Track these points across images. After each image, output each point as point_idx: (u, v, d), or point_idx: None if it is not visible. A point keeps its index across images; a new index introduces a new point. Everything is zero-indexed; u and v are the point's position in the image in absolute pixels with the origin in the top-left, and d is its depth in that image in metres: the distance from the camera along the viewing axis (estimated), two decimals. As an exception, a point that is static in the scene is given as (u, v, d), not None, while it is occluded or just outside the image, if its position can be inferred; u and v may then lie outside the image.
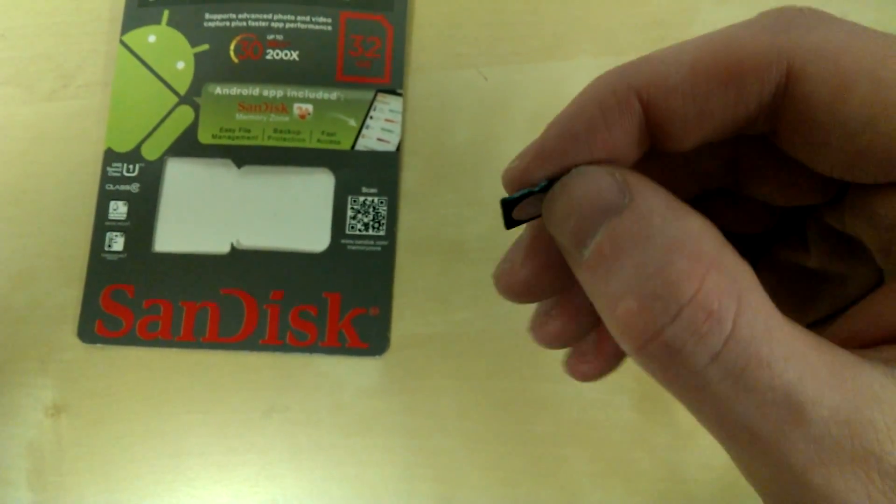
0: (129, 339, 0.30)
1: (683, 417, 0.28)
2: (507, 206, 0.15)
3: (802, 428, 0.11)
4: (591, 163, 0.13)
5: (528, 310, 0.30)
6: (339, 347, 0.29)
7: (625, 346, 0.12)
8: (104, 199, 0.31)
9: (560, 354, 0.28)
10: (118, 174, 0.31)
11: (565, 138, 0.13)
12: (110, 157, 0.32)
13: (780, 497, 0.12)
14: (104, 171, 0.31)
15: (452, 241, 0.30)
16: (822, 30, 0.12)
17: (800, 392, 0.11)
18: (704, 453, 0.28)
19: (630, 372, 0.29)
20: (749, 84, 0.13)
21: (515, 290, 0.16)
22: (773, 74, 0.12)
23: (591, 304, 0.13)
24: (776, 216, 0.16)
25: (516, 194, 0.14)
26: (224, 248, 0.30)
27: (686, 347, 0.11)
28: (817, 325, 0.15)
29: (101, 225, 0.31)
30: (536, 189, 0.14)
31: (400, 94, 0.32)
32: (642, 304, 0.11)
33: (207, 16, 0.32)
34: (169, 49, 0.32)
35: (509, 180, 0.15)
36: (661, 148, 0.14)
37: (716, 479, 0.27)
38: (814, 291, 0.16)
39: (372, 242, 0.30)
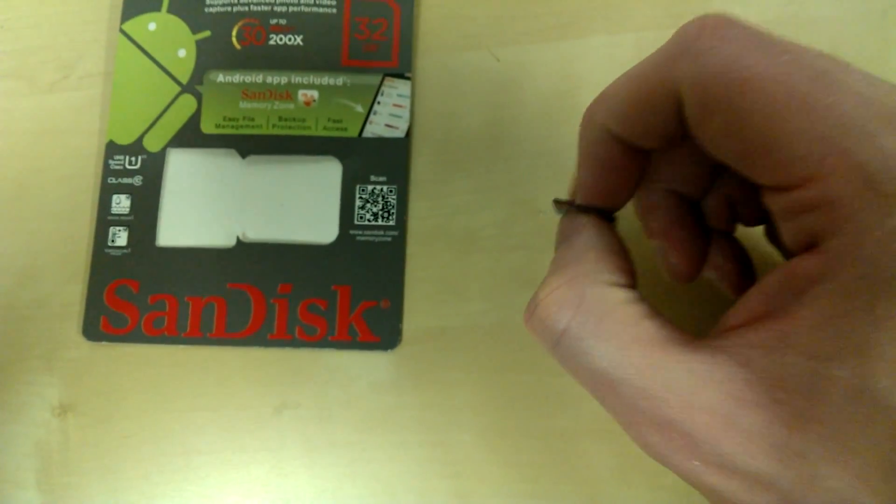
0: (135, 336, 0.29)
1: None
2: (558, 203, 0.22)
3: (613, 393, 0.16)
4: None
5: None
6: (350, 341, 0.28)
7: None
8: (106, 192, 0.30)
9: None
10: (120, 167, 0.30)
11: (597, 178, 0.20)
12: (112, 149, 0.31)
13: (618, 423, 0.17)
14: (106, 165, 0.31)
15: (465, 229, 0.29)
16: (709, 56, 0.15)
17: (611, 372, 0.16)
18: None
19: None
20: (657, 111, 0.17)
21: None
22: (668, 102, 0.17)
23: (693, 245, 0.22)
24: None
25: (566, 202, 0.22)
26: (230, 241, 0.30)
27: (540, 333, 0.18)
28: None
29: (104, 219, 0.30)
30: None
31: (408, 78, 0.30)
32: (532, 298, 0.19)
33: (208, 1, 0.31)
34: (170, 37, 0.31)
35: (577, 203, 0.21)
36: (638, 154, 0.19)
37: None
38: None
39: (382, 233, 0.29)
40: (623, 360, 0.16)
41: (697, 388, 0.15)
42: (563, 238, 0.20)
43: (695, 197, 0.22)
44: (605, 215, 0.21)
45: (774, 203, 0.16)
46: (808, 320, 0.15)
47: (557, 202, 0.22)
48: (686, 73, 0.16)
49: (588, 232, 0.19)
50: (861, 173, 0.14)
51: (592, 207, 0.20)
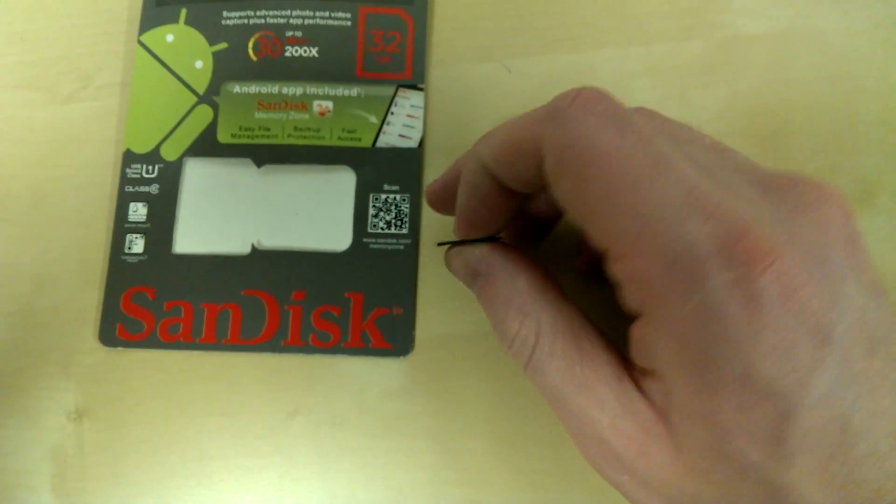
0: (151, 342, 0.29)
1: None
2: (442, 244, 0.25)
3: (563, 410, 0.19)
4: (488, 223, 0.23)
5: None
6: (363, 348, 0.29)
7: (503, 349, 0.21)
8: (124, 200, 0.31)
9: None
10: (137, 175, 0.31)
11: (473, 212, 0.22)
12: (129, 158, 0.31)
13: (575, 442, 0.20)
14: (123, 173, 0.31)
15: (477, 238, 0.30)
16: (571, 124, 0.17)
17: (561, 389, 0.19)
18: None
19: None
20: (524, 161, 0.19)
21: (430, 200, 0.25)
22: (533, 155, 0.18)
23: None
24: None
25: (447, 242, 0.25)
26: (245, 249, 0.30)
27: (517, 359, 0.20)
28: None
29: (121, 227, 0.31)
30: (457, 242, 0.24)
31: (421, 89, 0.31)
32: (499, 336, 0.21)
33: (225, 14, 0.32)
34: (187, 48, 0.32)
35: (457, 234, 0.24)
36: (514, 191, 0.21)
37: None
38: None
39: (395, 241, 0.30)
40: (567, 378, 0.19)
41: (619, 414, 0.18)
42: (475, 273, 0.22)
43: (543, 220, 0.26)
44: (493, 239, 0.23)
45: (607, 268, 0.18)
46: (661, 382, 0.17)
47: (443, 244, 0.24)
48: (549, 134, 0.17)
49: (502, 260, 0.22)
50: (664, 254, 0.16)
51: (485, 238, 0.23)
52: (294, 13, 0.32)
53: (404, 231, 0.30)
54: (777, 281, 0.15)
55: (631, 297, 0.17)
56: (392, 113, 0.31)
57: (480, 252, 0.22)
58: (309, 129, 0.31)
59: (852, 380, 0.15)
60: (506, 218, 0.22)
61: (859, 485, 0.15)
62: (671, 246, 0.16)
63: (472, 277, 0.22)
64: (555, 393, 0.19)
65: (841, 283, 0.16)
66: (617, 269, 0.17)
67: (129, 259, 0.30)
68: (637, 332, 0.18)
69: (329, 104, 0.31)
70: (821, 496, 0.15)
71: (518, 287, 0.21)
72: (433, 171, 0.30)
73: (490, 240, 0.23)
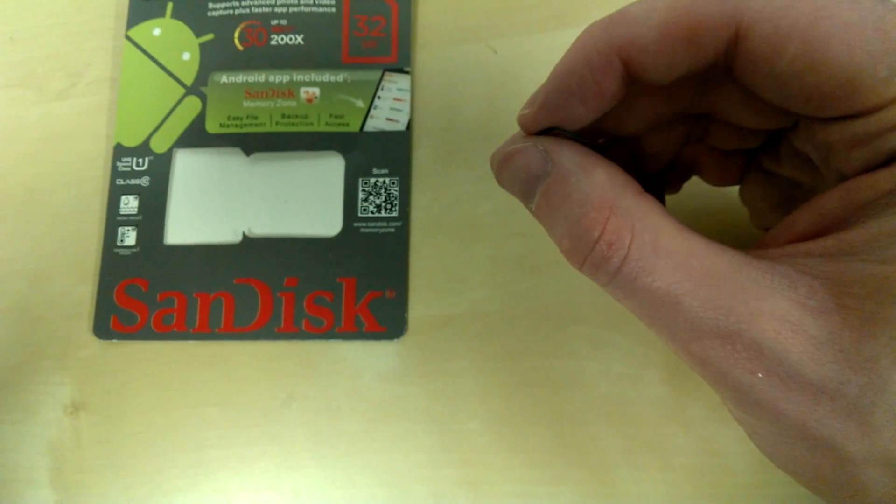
0: (145, 334, 0.29)
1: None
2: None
3: (680, 314, 0.15)
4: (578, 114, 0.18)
5: (549, 286, 0.29)
6: (357, 332, 0.29)
7: (574, 265, 0.17)
8: (115, 194, 0.31)
9: (584, 330, 0.27)
10: (128, 169, 0.31)
11: (563, 93, 0.17)
12: (120, 151, 0.31)
13: (677, 354, 0.16)
14: (114, 167, 0.31)
15: (467, 218, 0.29)
16: None
17: (675, 289, 0.15)
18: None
19: (658, 346, 0.28)
20: (705, 42, 0.16)
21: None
22: (724, 34, 0.16)
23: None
24: (759, 137, 0.20)
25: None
26: (236, 238, 0.30)
27: (601, 267, 0.16)
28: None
29: (113, 220, 0.31)
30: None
31: (407, 73, 0.31)
32: (573, 244, 0.17)
33: (211, 5, 0.32)
34: (174, 41, 0.32)
35: (521, 125, 0.19)
36: (640, 85, 0.18)
37: (754, 452, 0.26)
38: (791, 195, 0.21)
39: (385, 224, 0.29)
40: (684, 274, 0.15)
41: (763, 295, 0.15)
42: (536, 176, 0.18)
43: (658, 163, 0.22)
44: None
45: (841, 133, 0.16)
46: (876, 228, 0.14)
47: (547, 132, 0.19)
48: (753, 5, 0.15)
49: (571, 153, 0.18)
50: None
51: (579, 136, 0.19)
52: (279, 1, 0.32)
53: (394, 214, 0.30)
54: None
55: (880, 148, 0.15)
56: (379, 97, 0.31)
57: (544, 146, 0.18)
58: (297, 116, 0.31)
59: None
60: (595, 116, 0.18)
61: None
62: None
63: (533, 182, 0.18)
64: (665, 295, 0.16)
65: None
66: (862, 126, 0.15)
67: (122, 252, 0.30)
68: (864, 183, 0.15)
69: (316, 90, 0.31)
70: None
71: (597, 181, 0.17)
72: (421, 154, 0.30)
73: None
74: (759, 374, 0.15)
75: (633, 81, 0.17)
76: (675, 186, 0.24)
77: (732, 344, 0.15)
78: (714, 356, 0.15)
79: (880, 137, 0.15)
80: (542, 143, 0.18)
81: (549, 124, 0.18)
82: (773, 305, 0.15)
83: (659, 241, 0.16)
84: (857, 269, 0.14)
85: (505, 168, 0.19)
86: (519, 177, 0.18)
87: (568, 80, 0.17)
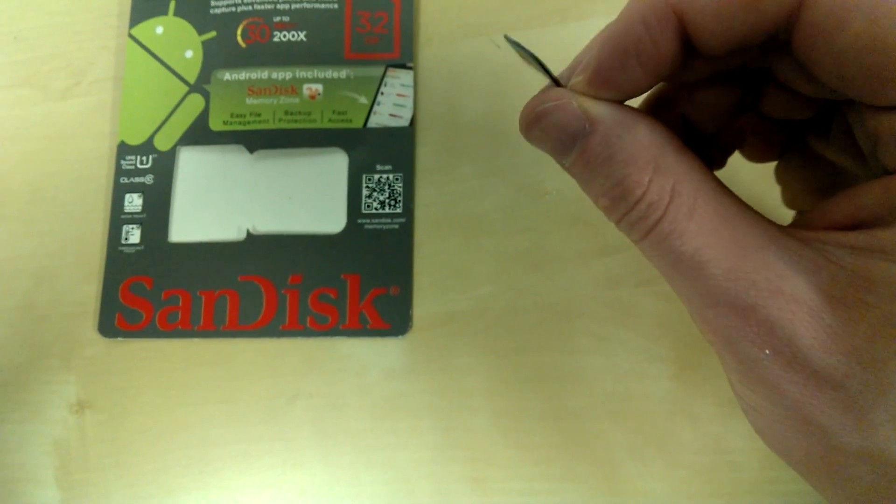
0: (150, 332, 0.29)
1: (726, 385, 0.26)
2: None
3: (701, 279, 0.15)
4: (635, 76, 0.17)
5: (554, 282, 0.28)
6: (361, 329, 0.29)
7: (609, 219, 0.17)
8: (119, 192, 0.31)
9: (589, 325, 0.27)
10: (132, 167, 0.31)
11: (619, 54, 0.16)
12: (124, 150, 0.31)
13: (693, 317, 0.17)
14: (118, 165, 0.31)
15: (471, 214, 0.29)
16: None
17: (701, 255, 0.15)
18: (749, 421, 0.26)
19: (665, 341, 0.27)
20: (766, 9, 0.15)
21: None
22: (780, 6, 0.15)
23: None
24: (812, 108, 0.19)
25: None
26: (240, 235, 0.30)
27: (636, 226, 0.16)
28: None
29: (118, 218, 0.31)
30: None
31: (410, 68, 0.31)
32: (612, 202, 0.17)
33: (213, 3, 0.32)
34: (177, 39, 0.32)
35: (575, 89, 0.18)
36: (697, 50, 0.17)
37: (762, 448, 0.26)
38: (830, 181, 0.20)
39: (389, 220, 0.29)
40: (716, 241, 0.15)
41: (787, 275, 0.15)
42: (573, 135, 0.17)
43: (705, 131, 0.21)
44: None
45: (891, 123, 0.15)
46: (883, 236, 0.14)
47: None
48: None
49: (611, 110, 0.17)
50: None
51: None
52: (281, -2, 0.32)
53: (398, 210, 0.29)
54: None
55: None
56: (382, 93, 0.31)
57: (570, 104, 0.17)
58: (300, 113, 0.31)
59: None
60: (651, 82, 0.17)
61: None
62: None
63: (568, 141, 0.17)
64: (692, 257, 0.16)
65: None
66: None
67: (126, 250, 0.30)
68: (888, 191, 0.15)
69: (319, 87, 0.31)
70: None
71: (639, 138, 0.16)
72: (425, 150, 0.30)
73: None
74: (767, 351, 0.15)
75: (689, 47, 0.16)
76: (720, 161, 0.23)
77: (746, 317, 0.15)
78: (726, 325, 0.15)
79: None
80: (578, 98, 0.17)
81: (605, 92, 0.17)
82: (794, 286, 0.15)
83: (696, 203, 0.16)
84: (884, 269, 0.14)
85: (536, 126, 0.18)
86: (552, 134, 0.17)
87: (623, 40, 0.16)
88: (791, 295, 0.15)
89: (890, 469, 0.14)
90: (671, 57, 0.16)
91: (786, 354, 0.15)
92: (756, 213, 0.16)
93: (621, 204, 0.16)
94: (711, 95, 0.20)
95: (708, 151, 0.22)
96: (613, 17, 0.31)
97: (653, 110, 0.20)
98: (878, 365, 0.14)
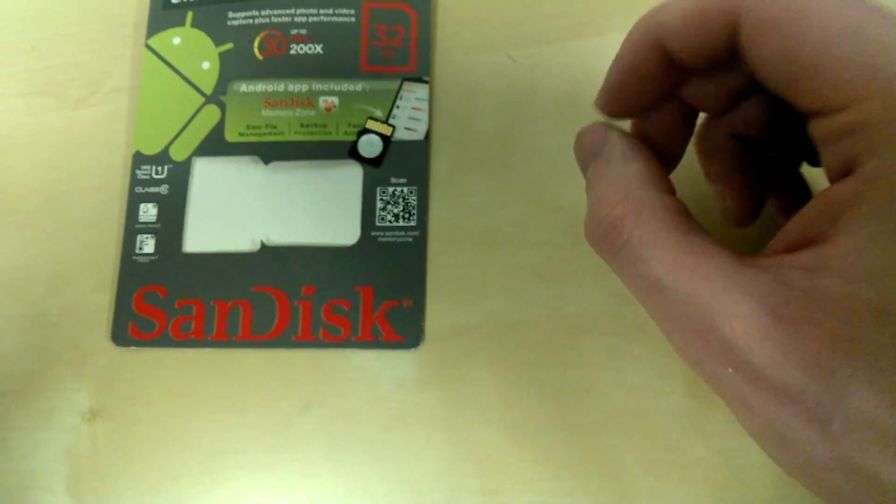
0: (163, 341, 0.29)
1: (736, 402, 0.27)
2: None
3: (665, 304, 0.17)
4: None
5: (567, 296, 0.29)
6: (374, 341, 0.29)
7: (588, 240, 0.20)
8: (134, 201, 0.31)
9: (602, 340, 0.27)
10: (147, 177, 0.31)
11: (621, 76, 0.20)
12: (139, 159, 0.31)
13: (667, 339, 0.18)
14: (133, 174, 0.31)
15: (485, 227, 0.29)
16: None
17: (665, 281, 0.17)
18: (761, 438, 0.26)
19: (677, 357, 0.27)
20: (714, 27, 0.17)
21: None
22: (725, 20, 0.17)
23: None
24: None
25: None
26: (254, 246, 0.30)
27: (603, 245, 0.19)
28: None
29: (132, 228, 0.31)
30: None
31: (426, 82, 0.31)
32: (588, 217, 0.19)
33: (231, 14, 0.32)
34: (194, 50, 0.32)
35: (598, 109, 0.22)
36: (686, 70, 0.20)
37: (775, 465, 0.26)
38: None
39: (403, 233, 0.30)
40: (675, 267, 0.17)
41: (739, 299, 0.16)
42: (593, 154, 0.21)
43: (757, 138, 0.22)
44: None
45: (817, 129, 0.17)
46: (842, 244, 0.15)
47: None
48: (745, 2, 0.17)
49: (619, 142, 0.20)
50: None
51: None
52: (298, 11, 0.32)
53: (412, 223, 0.30)
54: None
55: (848, 150, 0.16)
56: (398, 106, 0.31)
57: (601, 130, 0.21)
58: (315, 125, 0.31)
59: None
60: (655, 97, 0.21)
61: None
62: None
63: (588, 160, 0.21)
64: (655, 283, 0.17)
65: None
66: (828, 125, 0.16)
67: (140, 259, 0.30)
68: (835, 192, 0.16)
69: (335, 100, 0.31)
70: None
71: (629, 172, 0.19)
72: (440, 163, 0.30)
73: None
74: (730, 370, 0.16)
75: (676, 66, 0.19)
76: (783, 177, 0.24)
77: (706, 339, 0.16)
78: (692, 347, 0.17)
79: (842, 140, 0.16)
80: (612, 128, 0.21)
81: (617, 107, 0.21)
82: (747, 310, 0.16)
83: (660, 233, 0.17)
84: (827, 286, 0.15)
85: (576, 142, 0.22)
86: (581, 154, 0.21)
87: (621, 64, 0.20)
88: (743, 318, 0.16)
89: (862, 478, 0.15)
90: (659, 75, 0.20)
91: (747, 372, 0.16)
92: (719, 245, 0.17)
93: (592, 220, 0.19)
94: (752, 106, 0.21)
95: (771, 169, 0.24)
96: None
97: (706, 136, 0.23)
98: (829, 377, 0.14)
